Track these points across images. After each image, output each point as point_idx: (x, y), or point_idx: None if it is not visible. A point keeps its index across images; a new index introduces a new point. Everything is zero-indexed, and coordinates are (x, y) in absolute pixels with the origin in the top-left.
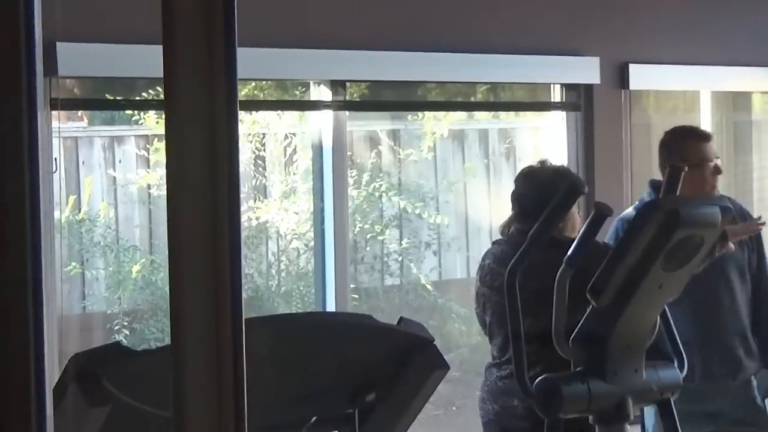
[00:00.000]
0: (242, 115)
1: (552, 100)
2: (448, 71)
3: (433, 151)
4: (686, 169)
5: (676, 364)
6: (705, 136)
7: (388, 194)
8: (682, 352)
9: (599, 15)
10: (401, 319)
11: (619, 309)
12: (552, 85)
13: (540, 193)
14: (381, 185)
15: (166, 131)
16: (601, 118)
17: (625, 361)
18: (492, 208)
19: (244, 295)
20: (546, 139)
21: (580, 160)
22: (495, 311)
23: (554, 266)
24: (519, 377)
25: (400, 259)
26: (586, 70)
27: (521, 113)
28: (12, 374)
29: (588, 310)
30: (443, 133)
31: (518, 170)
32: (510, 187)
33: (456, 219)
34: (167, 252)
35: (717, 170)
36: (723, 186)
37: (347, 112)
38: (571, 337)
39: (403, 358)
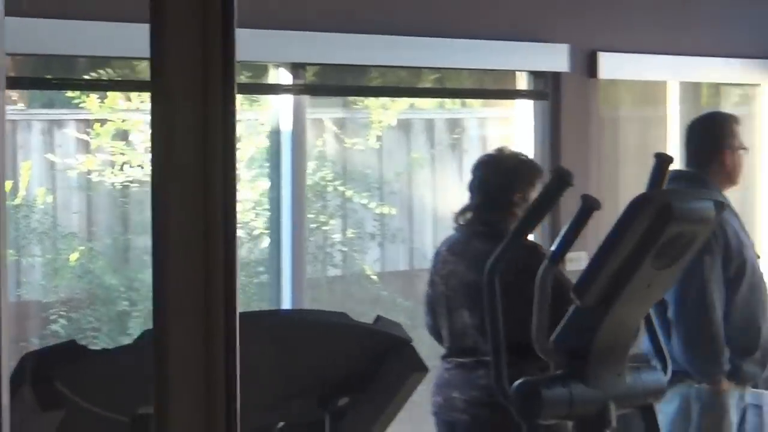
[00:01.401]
0: None
1: (516, 88)
2: (407, 56)
3: (380, 140)
4: (673, 160)
5: (659, 368)
6: (739, 121)
7: (334, 183)
8: (666, 355)
9: (568, 1)
10: (378, 317)
11: (605, 309)
12: (516, 73)
13: (504, 180)
14: (327, 174)
15: (152, 115)
16: (569, 108)
17: (608, 364)
18: (437, 200)
19: None
20: (495, 130)
21: (546, 150)
22: (440, 301)
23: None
24: (497, 379)
25: (344, 249)
26: (555, 58)
27: (468, 104)
28: None
29: (570, 311)
30: (390, 123)
31: (464, 162)
32: (455, 178)
33: (400, 210)
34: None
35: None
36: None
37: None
38: (552, 339)
39: (379, 360)
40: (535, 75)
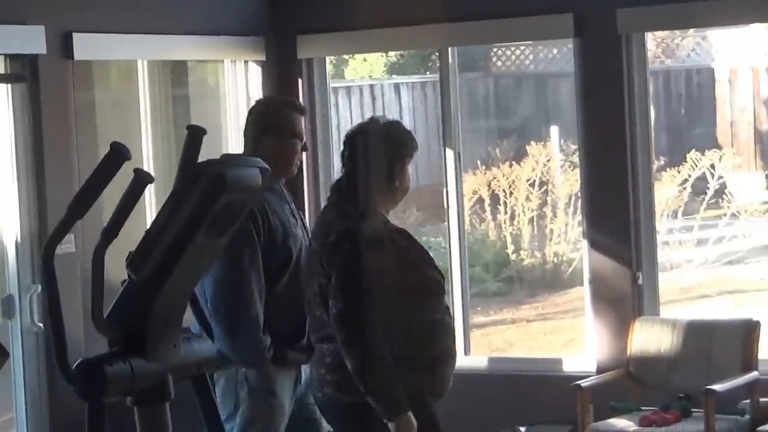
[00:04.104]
0: None
1: None
2: None
3: None
4: (206, 132)
5: (207, 338)
6: (303, 110)
7: None
8: (210, 324)
9: None
10: None
11: (161, 281)
12: None
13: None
14: None
15: None
16: (48, 91)
17: (164, 336)
18: None
19: None
20: None
21: (28, 134)
22: None
23: None
24: (60, 359)
25: None
26: (30, 40)
27: None
28: None
29: (124, 286)
30: None
31: None
32: None
33: None
34: None
35: (305, 147)
36: None
37: None
38: (106, 315)
39: None
40: (11, 58)
